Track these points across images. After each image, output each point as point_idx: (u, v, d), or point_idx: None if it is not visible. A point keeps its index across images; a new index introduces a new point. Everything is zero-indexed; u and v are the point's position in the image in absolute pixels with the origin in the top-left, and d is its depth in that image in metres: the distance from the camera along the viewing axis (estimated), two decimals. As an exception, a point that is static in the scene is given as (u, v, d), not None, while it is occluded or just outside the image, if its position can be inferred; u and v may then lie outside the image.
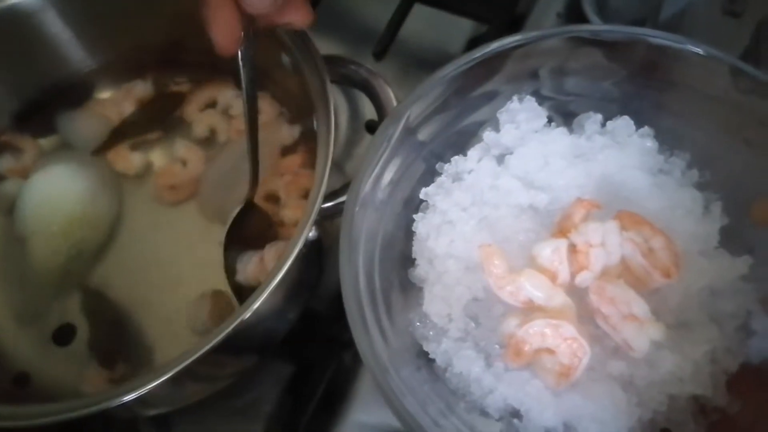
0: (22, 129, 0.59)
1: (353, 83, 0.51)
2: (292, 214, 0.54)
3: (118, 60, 0.61)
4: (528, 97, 0.48)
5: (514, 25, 0.68)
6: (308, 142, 0.57)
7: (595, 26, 0.48)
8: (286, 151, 0.58)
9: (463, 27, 0.70)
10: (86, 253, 0.55)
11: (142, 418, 0.54)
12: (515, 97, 0.48)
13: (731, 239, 0.43)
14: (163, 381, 0.40)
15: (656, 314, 0.40)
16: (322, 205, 0.43)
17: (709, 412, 0.40)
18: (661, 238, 0.41)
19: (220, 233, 0.53)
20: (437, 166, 0.48)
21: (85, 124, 0.58)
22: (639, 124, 0.47)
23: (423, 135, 0.47)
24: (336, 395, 0.54)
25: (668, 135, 0.47)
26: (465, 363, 0.42)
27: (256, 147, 0.49)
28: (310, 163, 0.56)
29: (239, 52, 0.44)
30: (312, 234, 0.44)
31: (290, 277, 0.43)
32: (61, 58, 0.59)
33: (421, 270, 0.46)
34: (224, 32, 0.43)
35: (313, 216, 0.43)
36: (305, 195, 0.55)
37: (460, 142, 0.49)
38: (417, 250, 0.46)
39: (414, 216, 0.47)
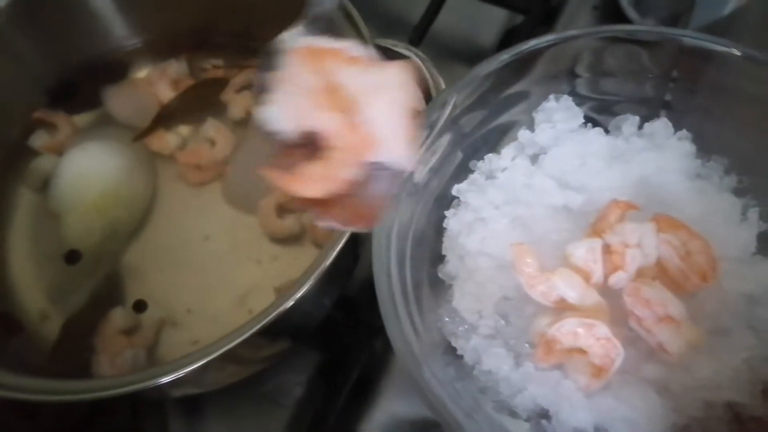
0: (57, 105, 0.58)
1: None
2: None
3: (154, 40, 0.60)
4: (565, 96, 0.47)
5: (550, 16, 0.67)
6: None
7: (630, 26, 0.48)
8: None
9: (497, 17, 0.69)
10: (120, 233, 0.54)
11: (170, 399, 0.54)
12: (552, 96, 0.47)
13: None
14: (200, 365, 0.39)
15: (693, 319, 0.39)
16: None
17: (745, 421, 0.39)
18: (699, 242, 0.40)
19: (250, 218, 0.54)
20: (471, 163, 0.47)
21: (130, 100, 0.57)
22: (677, 127, 0.46)
23: (463, 127, 0.46)
24: (366, 383, 0.53)
25: (706, 139, 0.46)
26: (494, 361, 0.41)
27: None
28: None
29: None
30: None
31: (334, 263, 0.42)
32: (99, 35, 0.58)
33: (451, 267, 0.45)
34: None
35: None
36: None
37: (494, 139, 0.48)
38: (447, 247, 0.45)
39: (446, 212, 0.46)
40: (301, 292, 0.40)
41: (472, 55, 0.69)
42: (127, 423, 0.53)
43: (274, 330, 0.44)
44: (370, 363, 0.53)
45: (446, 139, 0.45)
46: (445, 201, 0.47)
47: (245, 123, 0.58)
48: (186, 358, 0.40)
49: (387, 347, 0.55)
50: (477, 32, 0.69)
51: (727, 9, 0.64)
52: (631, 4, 0.65)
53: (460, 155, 0.47)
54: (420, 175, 0.44)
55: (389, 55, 0.50)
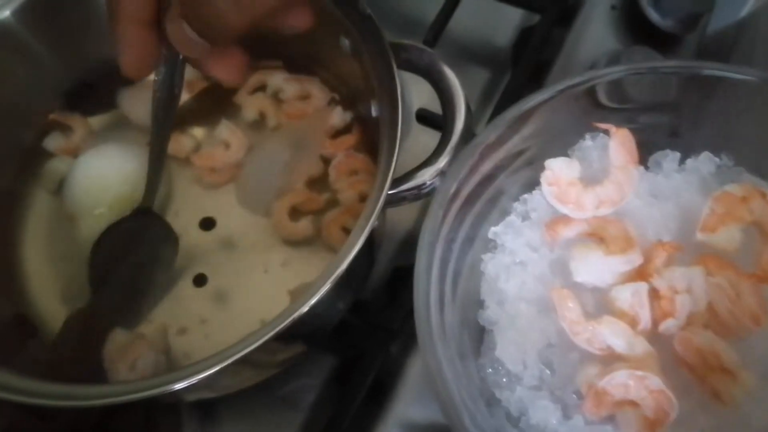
0: (72, 107, 0.57)
1: (415, 69, 0.48)
2: (344, 194, 0.52)
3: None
4: (601, 135, 0.45)
5: (566, 16, 0.66)
6: (360, 126, 0.55)
7: (653, 63, 0.46)
8: (336, 134, 0.56)
9: (513, 17, 0.68)
10: (135, 236, 0.53)
11: (184, 404, 0.53)
12: (588, 135, 0.45)
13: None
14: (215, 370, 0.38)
15: (744, 364, 0.37)
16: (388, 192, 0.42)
17: None
18: (748, 284, 0.39)
19: (264, 220, 0.53)
20: (507, 204, 0.46)
21: (146, 102, 0.53)
22: (719, 160, 0.44)
23: (498, 166, 0.45)
24: (382, 387, 0.53)
25: (753, 173, 0.44)
26: (541, 414, 0.39)
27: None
28: (363, 147, 0.55)
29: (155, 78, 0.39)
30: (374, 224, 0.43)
31: (350, 267, 0.41)
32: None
33: (491, 312, 0.43)
34: (133, 55, 0.38)
35: (381, 204, 0.41)
36: (353, 174, 0.53)
37: (529, 179, 0.46)
38: (486, 292, 0.44)
39: (483, 256, 0.44)
40: (317, 297, 0.39)
41: (487, 56, 0.68)
42: (141, 425, 0.52)
43: (289, 335, 0.43)
44: (386, 367, 0.52)
45: (481, 177, 0.44)
46: (482, 243, 0.45)
47: (258, 125, 0.57)
48: (200, 364, 0.39)
49: (403, 352, 0.54)
50: (493, 32, 0.68)
51: (745, 11, 0.62)
52: (651, 5, 0.64)
53: (495, 195, 0.45)
54: (455, 216, 0.42)
55: (404, 56, 0.49)
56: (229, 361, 0.38)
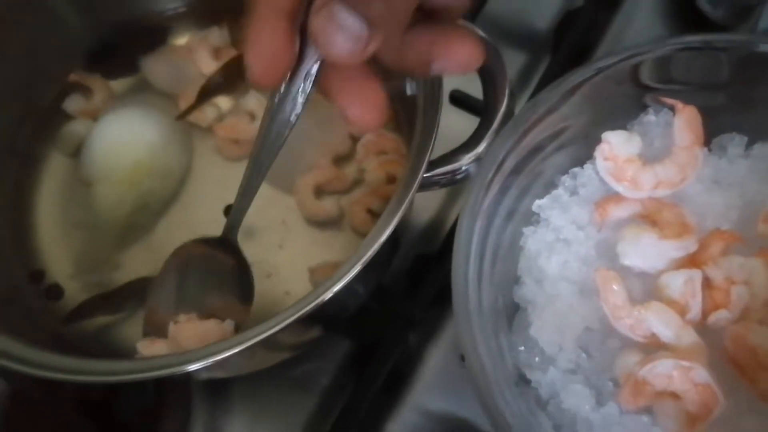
0: (93, 69, 0.55)
1: None
2: (372, 175, 0.50)
3: (196, 4, 0.56)
4: (665, 109, 0.41)
5: (613, 0, 0.63)
6: (393, 104, 0.50)
7: (708, 36, 0.42)
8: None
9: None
10: (153, 206, 0.51)
11: (195, 382, 0.52)
12: (651, 109, 0.42)
13: None
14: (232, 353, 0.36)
15: None
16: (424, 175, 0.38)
17: None
18: None
19: (287, 197, 0.51)
20: (555, 177, 0.43)
21: (169, 67, 0.54)
22: None
23: (550, 136, 0.42)
24: (399, 377, 0.51)
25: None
26: (574, 399, 0.37)
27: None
28: (394, 125, 0.52)
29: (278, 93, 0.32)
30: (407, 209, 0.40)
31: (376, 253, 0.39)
32: (142, -3, 0.55)
33: (527, 290, 0.41)
34: (266, 55, 0.28)
35: (415, 187, 0.38)
36: (382, 154, 0.51)
37: (581, 152, 0.43)
38: (524, 268, 0.41)
39: (524, 229, 0.42)
40: (342, 284, 0.37)
41: (526, 38, 0.65)
42: (150, 400, 0.51)
43: (309, 319, 0.41)
44: (404, 357, 0.50)
45: (529, 144, 0.41)
46: (524, 216, 0.42)
47: None
48: (216, 346, 0.37)
49: (422, 341, 0.52)
50: (533, 13, 0.64)
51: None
52: (702, -7, 0.61)
53: (543, 166, 0.42)
54: (499, 187, 0.40)
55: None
56: (249, 343, 0.36)
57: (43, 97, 0.54)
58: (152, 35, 0.56)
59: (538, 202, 0.42)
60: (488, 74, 0.44)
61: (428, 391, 0.50)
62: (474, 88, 0.55)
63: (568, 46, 0.58)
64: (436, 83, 0.42)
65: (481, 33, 0.45)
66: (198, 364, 0.36)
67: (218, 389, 0.52)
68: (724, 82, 0.42)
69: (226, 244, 0.45)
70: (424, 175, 0.40)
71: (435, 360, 0.51)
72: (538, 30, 0.65)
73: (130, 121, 0.52)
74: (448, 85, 0.57)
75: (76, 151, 0.53)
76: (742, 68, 0.41)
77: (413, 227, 0.56)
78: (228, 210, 0.50)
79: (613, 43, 0.60)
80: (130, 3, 0.55)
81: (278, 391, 0.52)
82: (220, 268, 0.46)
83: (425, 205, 0.57)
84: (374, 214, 0.49)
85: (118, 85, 0.56)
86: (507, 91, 0.43)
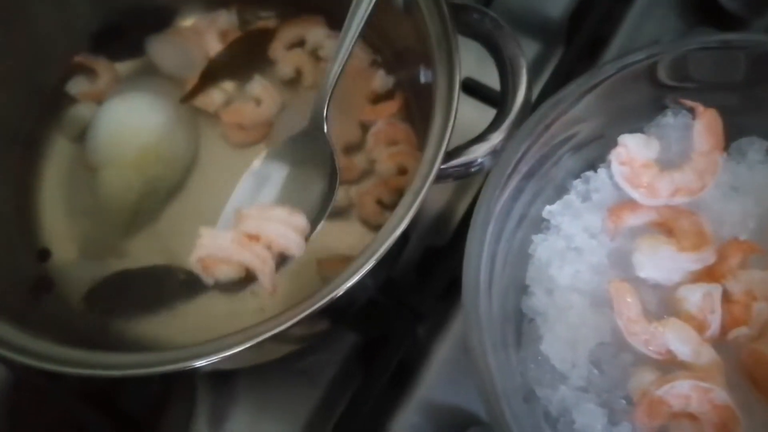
0: (98, 51, 0.53)
1: (474, 34, 0.44)
2: (382, 165, 0.49)
3: (204, -14, 0.55)
4: (684, 112, 0.40)
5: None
6: (405, 92, 0.51)
7: (725, 36, 0.41)
8: (377, 99, 0.52)
9: (569, -11, 0.64)
10: (160, 192, 0.50)
11: (201, 373, 0.51)
12: (669, 111, 0.40)
13: None
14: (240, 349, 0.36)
15: None
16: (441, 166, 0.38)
17: None
18: None
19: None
20: (566, 182, 0.41)
21: (176, 50, 0.52)
22: None
23: (564, 138, 0.40)
24: (406, 370, 0.50)
25: None
26: (586, 418, 0.36)
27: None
28: (405, 115, 0.51)
29: None
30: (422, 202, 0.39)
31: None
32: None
33: (536, 300, 0.39)
34: None
35: (431, 179, 0.37)
36: (393, 145, 0.50)
37: (594, 156, 0.42)
38: (533, 277, 0.40)
39: (533, 237, 0.40)
40: (354, 280, 0.36)
41: (539, 27, 0.64)
42: (155, 390, 0.50)
43: (319, 314, 0.40)
44: (412, 350, 0.49)
45: (542, 148, 0.39)
46: (534, 222, 0.41)
47: (294, 83, 0.53)
48: (224, 340, 0.36)
49: (430, 335, 0.51)
50: (547, 2, 0.63)
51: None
52: (721, -14, 0.59)
53: (556, 169, 0.41)
54: (512, 186, 0.38)
55: (461, 18, 0.45)
56: (255, 341, 0.35)
57: (48, 81, 0.53)
58: (158, 16, 0.54)
59: (548, 207, 0.40)
60: (505, 62, 0.42)
61: (436, 384, 0.49)
62: (488, 77, 0.54)
63: (583, 37, 0.57)
64: (453, 71, 0.41)
65: (499, 20, 0.44)
66: (204, 360, 0.35)
67: (223, 380, 0.51)
68: (741, 82, 0.40)
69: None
70: (442, 167, 0.39)
71: (443, 353, 0.50)
72: (552, 19, 0.63)
73: (136, 106, 0.51)
74: (462, 73, 0.56)
75: (81, 136, 0.52)
76: (759, 67, 0.40)
77: (422, 219, 0.55)
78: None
79: (629, 34, 0.59)
80: (137, -15, 0.54)
81: (284, 383, 0.51)
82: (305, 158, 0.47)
83: (434, 197, 0.56)
84: (384, 206, 0.48)
85: (124, 67, 0.54)
86: (525, 81, 0.41)
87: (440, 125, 0.39)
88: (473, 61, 0.52)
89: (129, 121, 0.50)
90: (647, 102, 0.41)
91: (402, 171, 0.49)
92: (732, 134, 0.40)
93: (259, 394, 0.51)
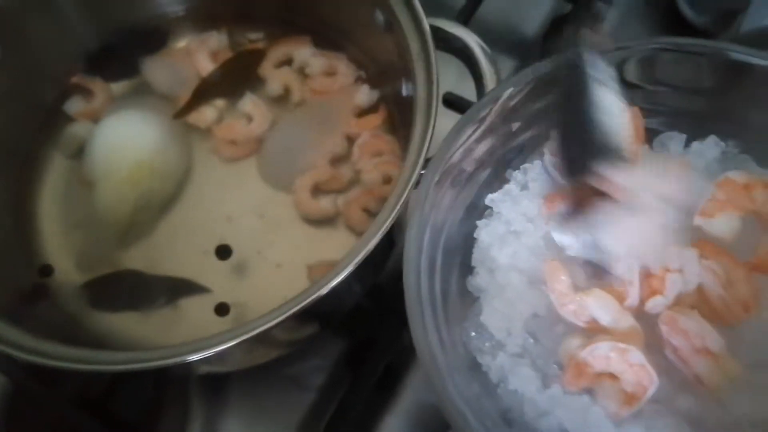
0: (94, 72, 0.56)
1: (452, 50, 0.47)
2: (368, 175, 0.51)
3: (196, 9, 0.57)
4: None
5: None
6: (388, 106, 0.53)
7: (679, 39, 0.43)
8: (361, 113, 0.54)
9: (545, 4, 0.67)
10: (153, 206, 0.51)
11: (194, 376, 0.52)
12: None
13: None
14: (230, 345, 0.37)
15: (731, 351, 0.36)
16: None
17: None
18: (741, 271, 0.38)
19: (284, 196, 0.52)
20: (507, 172, 0.44)
21: (168, 70, 0.55)
22: (725, 145, 0.43)
23: (504, 132, 0.43)
24: (394, 374, 0.51)
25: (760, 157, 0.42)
26: (520, 381, 0.38)
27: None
28: (389, 127, 0.53)
29: None
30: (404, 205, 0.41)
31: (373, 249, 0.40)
32: (141, 0, 0.56)
33: (480, 279, 0.42)
34: None
35: (412, 183, 0.39)
36: (378, 155, 0.52)
37: (532, 148, 0.45)
38: (478, 259, 0.43)
39: (478, 222, 0.43)
40: (339, 279, 0.38)
41: (516, 44, 0.67)
42: (149, 396, 0.51)
43: (307, 315, 0.42)
44: (399, 354, 0.51)
45: (486, 143, 0.42)
46: (478, 210, 0.44)
47: (283, 99, 0.55)
48: (216, 338, 0.37)
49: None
50: (523, 20, 0.66)
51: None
52: (686, 0, 0.63)
53: (497, 162, 0.44)
54: (454, 179, 0.41)
55: (440, 35, 0.48)
56: (245, 337, 0.37)
57: (45, 100, 0.55)
58: (152, 38, 0.57)
59: (490, 196, 0.43)
60: (480, 75, 0.46)
61: (423, 387, 0.51)
62: (468, 91, 0.57)
63: (556, 51, 0.60)
64: (432, 84, 0.43)
65: (476, 37, 0.47)
66: (197, 355, 0.37)
67: (216, 386, 0.53)
68: (707, 88, 0.43)
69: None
70: (422, 173, 0.42)
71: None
72: (528, 36, 0.66)
73: (130, 123, 0.53)
74: (442, 88, 0.59)
75: (77, 153, 0.54)
76: (721, 74, 0.42)
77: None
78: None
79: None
80: (130, 7, 0.56)
81: (275, 389, 0.53)
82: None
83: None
84: (370, 213, 0.50)
85: (119, 87, 0.57)
86: (498, 93, 0.44)
87: (420, 134, 0.42)
88: (454, 77, 0.55)
89: (123, 138, 0.52)
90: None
91: (387, 180, 0.51)
92: (698, 136, 0.43)
93: (252, 399, 0.52)
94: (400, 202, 0.39)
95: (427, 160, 0.42)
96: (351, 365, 0.54)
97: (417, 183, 0.42)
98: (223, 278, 0.50)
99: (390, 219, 0.39)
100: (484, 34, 0.65)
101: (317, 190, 0.52)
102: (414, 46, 0.45)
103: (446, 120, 0.56)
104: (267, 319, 0.37)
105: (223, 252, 0.51)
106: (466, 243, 0.43)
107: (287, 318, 0.38)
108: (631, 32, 0.64)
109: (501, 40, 0.66)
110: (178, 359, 0.37)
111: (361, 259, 0.38)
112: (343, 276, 0.38)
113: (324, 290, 0.38)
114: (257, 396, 0.53)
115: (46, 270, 0.50)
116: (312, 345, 0.54)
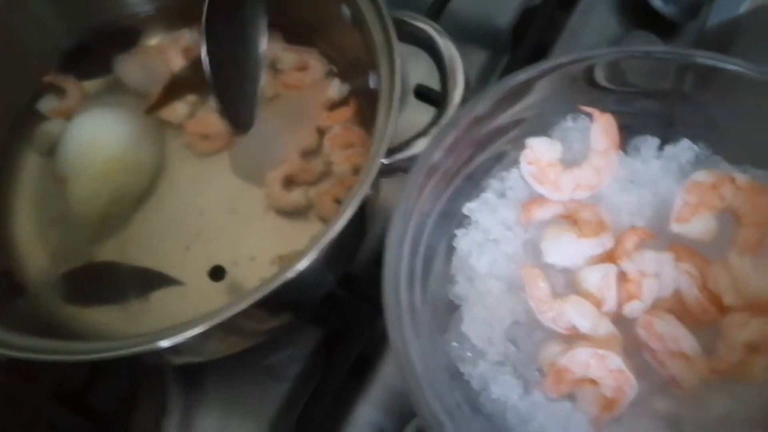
0: (67, 70, 0.57)
1: (416, 41, 0.48)
2: (338, 167, 0.52)
3: (167, 7, 0.58)
4: (582, 116, 0.44)
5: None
6: (358, 99, 0.54)
7: (648, 47, 0.44)
8: (333, 106, 0.55)
9: (515, -2, 0.68)
10: (127, 199, 0.52)
11: (169, 368, 0.53)
12: (569, 116, 0.44)
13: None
14: (199, 332, 0.38)
15: (708, 352, 0.37)
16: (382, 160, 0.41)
17: None
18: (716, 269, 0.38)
19: (257, 189, 0.53)
20: (483, 181, 0.45)
21: (141, 68, 0.55)
22: (698, 147, 0.44)
23: (480, 141, 0.44)
24: (367, 361, 0.52)
25: (731, 162, 0.43)
26: (502, 389, 0.39)
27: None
28: (359, 120, 0.54)
29: None
30: (369, 191, 0.42)
31: (339, 234, 0.41)
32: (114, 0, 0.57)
33: (460, 288, 0.42)
34: None
35: (374, 171, 0.40)
36: (348, 147, 0.53)
37: (509, 156, 0.45)
38: (457, 267, 0.43)
39: (456, 231, 0.44)
40: (305, 264, 0.39)
41: (487, 36, 0.68)
42: (126, 390, 0.52)
43: (277, 302, 0.43)
44: (372, 342, 0.52)
45: (463, 152, 0.43)
46: (456, 219, 0.44)
47: None
48: (186, 324, 0.38)
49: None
50: (494, 12, 0.67)
51: (744, 7, 0.62)
52: (655, -9, 0.64)
53: (473, 171, 0.45)
54: (433, 189, 0.42)
55: (406, 29, 0.49)
56: (214, 322, 0.37)
57: (19, 99, 0.56)
58: (124, 37, 0.58)
59: (468, 204, 0.44)
60: (445, 64, 0.46)
61: (396, 375, 0.52)
62: (438, 83, 0.58)
63: (527, 44, 0.61)
64: (394, 74, 0.44)
65: (438, 28, 0.48)
66: (169, 341, 0.38)
67: (193, 378, 0.53)
68: (673, 89, 0.44)
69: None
70: (386, 162, 0.43)
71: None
72: (499, 28, 0.67)
73: (103, 120, 0.54)
74: (413, 80, 0.60)
75: (51, 151, 0.54)
76: (687, 77, 0.43)
77: (381, 215, 0.58)
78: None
79: (570, 40, 0.63)
80: (103, 6, 0.57)
81: (251, 380, 0.53)
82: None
83: (394, 192, 0.59)
84: (341, 204, 0.52)
85: (92, 85, 0.57)
86: (462, 80, 0.45)
87: (383, 122, 0.43)
88: (424, 70, 0.55)
89: (96, 135, 0.53)
90: (588, 103, 0.44)
91: (357, 171, 0.52)
92: (668, 138, 0.44)
93: (228, 391, 0.53)
94: (362, 189, 0.40)
95: (393, 150, 0.44)
96: (326, 355, 0.55)
97: (385, 172, 0.43)
98: (196, 271, 0.51)
99: (353, 204, 0.40)
100: (455, 27, 0.66)
101: (289, 183, 0.53)
102: (378, 39, 0.46)
103: (418, 111, 0.58)
104: (234, 305, 0.38)
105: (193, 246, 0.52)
106: (447, 252, 0.44)
107: (255, 304, 0.38)
108: (602, 22, 0.65)
109: (473, 34, 0.67)
110: (146, 347, 0.38)
111: (325, 245, 0.39)
112: (308, 261, 0.39)
113: (289, 274, 0.39)
114: (233, 387, 0.54)
115: (21, 266, 0.51)
116: (287, 335, 0.54)
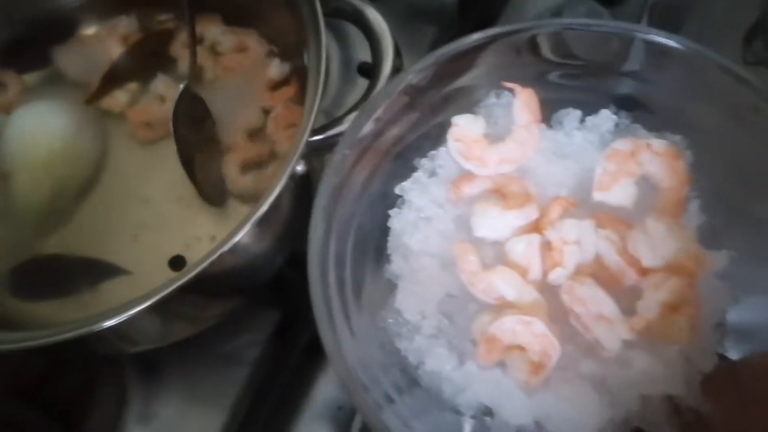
0: (5, 64, 0.56)
1: (344, 15, 0.48)
2: (281, 147, 0.52)
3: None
4: (506, 92, 0.44)
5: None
6: (299, 78, 0.54)
7: (587, 21, 0.44)
8: (275, 86, 0.55)
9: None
10: (70, 191, 0.52)
11: (126, 358, 0.53)
12: (493, 93, 0.45)
13: (707, 237, 0.41)
14: (139, 311, 0.38)
15: (630, 313, 0.38)
16: (311, 138, 0.41)
17: (684, 413, 0.39)
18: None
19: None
20: (414, 161, 0.45)
21: (80, 57, 0.55)
22: (617, 117, 0.44)
23: (410, 121, 0.44)
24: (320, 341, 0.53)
25: (652, 132, 0.44)
26: (437, 361, 0.40)
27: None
28: (300, 99, 0.52)
29: None
30: (300, 168, 0.42)
31: (277, 212, 0.41)
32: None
33: (396, 266, 0.43)
34: None
35: (302, 146, 0.40)
36: (291, 127, 0.52)
37: (438, 135, 0.45)
38: (392, 246, 0.44)
39: (389, 211, 0.44)
40: (237, 237, 0.39)
41: (434, 12, 0.67)
42: (84, 382, 0.52)
43: (219, 282, 0.43)
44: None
45: (393, 132, 0.43)
46: (390, 199, 0.45)
47: (196, 78, 0.55)
48: (130, 303, 0.38)
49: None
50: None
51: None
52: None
53: (404, 150, 0.45)
54: (363, 171, 0.42)
55: (334, 4, 0.48)
56: (154, 299, 0.38)
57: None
58: (61, 27, 0.57)
59: (400, 184, 0.44)
60: (373, 36, 0.46)
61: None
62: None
63: (473, 16, 0.61)
64: (320, 51, 0.44)
65: (367, 3, 0.48)
66: (112, 321, 0.38)
67: (152, 366, 0.53)
68: (619, 63, 0.44)
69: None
70: (318, 138, 0.43)
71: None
72: (446, 4, 0.67)
73: (42, 112, 0.53)
74: (358, 57, 0.60)
75: (-9, 146, 0.54)
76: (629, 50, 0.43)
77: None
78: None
79: (516, 10, 0.63)
80: (37, -3, 0.56)
81: (211, 366, 0.53)
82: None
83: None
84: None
85: (31, 78, 0.57)
86: (392, 51, 0.45)
87: (311, 99, 0.43)
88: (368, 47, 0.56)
89: (36, 127, 0.52)
90: (532, 77, 0.45)
91: (299, 151, 0.52)
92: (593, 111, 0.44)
93: (187, 378, 0.53)
94: (290, 165, 0.40)
95: (322, 127, 0.44)
96: (283, 337, 0.55)
97: (320, 148, 0.44)
98: (144, 260, 0.51)
99: (279, 183, 0.40)
100: (401, 4, 0.66)
101: (245, 166, 0.53)
102: (307, 16, 0.46)
103: (363, 88, 0.58)
104: (167, 285, 0.38)
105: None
106: (382, 232, 0.44)
107: (192, 284, 0.38)
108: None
109: (420, 10, 0.67)
110: (92, 326, 0.38)
111: (254, 221, 0.39)
112: (240, 235, 0.39)
113: (220, 252, 0.39)
114: (193, 374, 0.53)
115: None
116: (245, 320, 0.54)
